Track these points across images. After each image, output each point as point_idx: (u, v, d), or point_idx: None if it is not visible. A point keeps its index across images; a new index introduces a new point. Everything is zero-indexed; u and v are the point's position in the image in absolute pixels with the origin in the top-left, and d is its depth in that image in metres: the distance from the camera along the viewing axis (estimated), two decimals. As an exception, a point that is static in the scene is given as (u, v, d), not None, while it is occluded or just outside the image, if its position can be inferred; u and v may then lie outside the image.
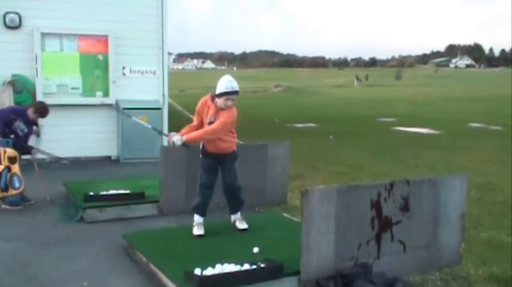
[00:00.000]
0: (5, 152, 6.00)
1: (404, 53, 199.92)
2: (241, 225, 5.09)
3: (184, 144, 4.77)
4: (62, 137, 9.03)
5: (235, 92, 4.71)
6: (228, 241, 4.81)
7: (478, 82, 55.42)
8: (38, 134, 6.78)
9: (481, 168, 9.46)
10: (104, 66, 9.44)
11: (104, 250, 4.85)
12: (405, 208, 4.10)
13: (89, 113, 9.45)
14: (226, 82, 4.71)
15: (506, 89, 35.77)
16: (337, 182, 7.27)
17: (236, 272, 3.81)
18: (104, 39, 9.35)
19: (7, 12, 8.81)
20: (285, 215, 5.85)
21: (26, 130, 6.29)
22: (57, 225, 5.58)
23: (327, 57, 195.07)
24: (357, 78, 57.66)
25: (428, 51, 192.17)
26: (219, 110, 4.75)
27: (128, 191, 6.22)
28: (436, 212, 4.26)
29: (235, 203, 5.11)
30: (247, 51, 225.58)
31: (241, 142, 5.21)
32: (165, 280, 3.95)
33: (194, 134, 4.78)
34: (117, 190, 6.28)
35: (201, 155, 5.01)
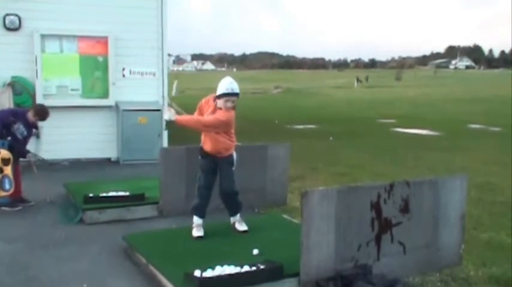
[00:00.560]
0: None
1: (404, 55, 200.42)
2: (241, 227, 5.09)
3: (172, 121, 4.70)
4: (62, 139, 9.05)
5: (235, 94, 4.72)
6: (227, 243, 4.81)
7: (478, 83, 55.42)
8: (37, 136, 6.78)
9: (481, 168, 9.46)
10: (104, 67, 9.44)
11: (103, 251, 4.84)
12: (405, 209, 4.10)
13: (88, 115, 9.45)
14: (226, 84, 4.72)
15: (506, 90, 35.76)
16: (337, 183, 7.26)
17: (236, 273, 3.81)
18: (103, 41, 9.35)
19: (7, 14, 8.81)
20: (285, 216, 5.85)
21: (25, 133, 6.26)
22: (57, 226, 5.58)
23: (326, 58, 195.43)
24: (357, 80, 57.69)
25: (428, 53, 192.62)
26: (218, 109, 4.77)
27: (127, 193, 6.22)
28: (436, 213, 4.26)
29: (233, 207, 5.11)
30: (247, 52, 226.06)
31: (240, 144, 5.18)
32: (165, 281, 3.95)
33: (187, 117, 4.86)
34: (117, 191, 6.28)
35: (199, 157, 5.01)
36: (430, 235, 4.26)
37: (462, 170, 8.49)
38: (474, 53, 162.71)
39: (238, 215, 5.13)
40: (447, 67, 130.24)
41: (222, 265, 3.90)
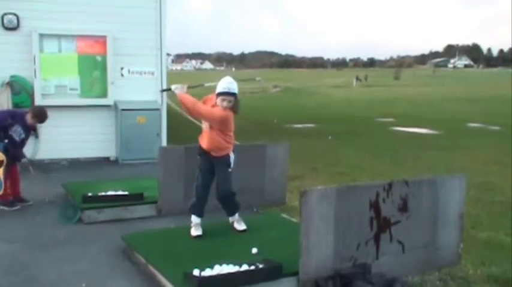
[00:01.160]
0: None
1: (403, 54, 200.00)
2: (240, 226, 5.09)
3: (174, 94, 4.81)
4: (61, 138, 9.03)
5: (231, 94, 4.72)
6: (226, 242, 4.81)
7: (477, 82, 55.44)
8: (36, 135, 6.75)
9: (480, 168, 9.46)
10: (103, 67, 9.43)
11: (102, 251, 4.84)
12: (404, 208, 4.10)
13: (87, 114, 9.44)
14: (224, 83, 4.74)
15: (505, 89, 35.78)
16: (337, 182, 7.26)
17: (235, 273, 3.81)
18: (102, 40, 9.33)
19: (5, 14, 8.79)
20: (284, 215, 5.85)
21: (23, 135, 6.22)
22: (56, 226, 5.58)
23: (325, 57, 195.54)
24: (357, 78, 57.72)
25: (426, 52, 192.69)
26: (217, 107, 4.79)
27: (126, 192, 6.21)
28: (435, 213, 4.26)
29: (230, 207, 5.11)
30: (246, 51, 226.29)
31: (238, 143, 5.18)
32: (164, 281, 3.94)
33: (188, 97, 4.77)
34: (116, 190, 6.27)
35: (198, 156, 5.01)
36: (429, 234, 4.26)
37: (461, 170, 8.50)
38: (473, 52, 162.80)
39: (237, 214, 5.13)
40: (446, 66, 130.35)
41: (220, 264, 3.89)
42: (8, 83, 8.72)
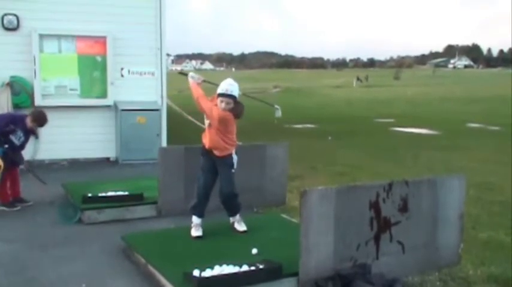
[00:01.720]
0: None
1: (403, 54, 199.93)
2: (240, 227, 5.09)
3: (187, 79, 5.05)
4: (61, 139, 9.03)
5: (229, 96, 4.72)
6: (226, 242, 4.81)
7: (477, 82, 55.43)
8: (36, 136, 6.75)
9: (480, 168, 9.46)
10: (102, 67, 9.43)
11: (102, 251, 4.84)
12: (404, 208, 4.10)
13: (87, 115, 9.44)
14: (224, 84, 4.76)
15: (505, 90, 35.77)
16: (337, 182, 7.26)
17: (235, 273, 3.80)
18: (102, 41, 9.33)
19: (5, 14, 8.79)
20: (284, 216, 5.85)
21: (22, 139, 6.22)
22: (55, 226, 5.58)
23: (325, 58, 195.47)
24: (358, 79, 57.79)
25: (426, 52, 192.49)
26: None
27: (126, 193, 6.22)
28: (435, 213, 4.26)
29: (232, 208, 5.12)
30: (246, 52, 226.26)
31: (239, 143, 5.18)
32: (164, 281, 3.94)
33: (197, 89, 4.93)
34: (116, 191, 6.27)
35: (201, 156, 5.02)
36: (429, 234, 4.26)
37: (461, 170, 8.49)
38: (473, 52, 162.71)
39: (238, 215, 5.13)
40: (446, 66, 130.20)
41: (220, 265, 3.89)
42: (8, 84, 8.72)
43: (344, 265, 3.83)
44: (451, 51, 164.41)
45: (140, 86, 9.69)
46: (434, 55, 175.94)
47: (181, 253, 4.47)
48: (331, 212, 3.73)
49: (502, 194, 7.42)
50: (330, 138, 13.85)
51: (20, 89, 8.83)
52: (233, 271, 3.83)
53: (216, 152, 4.89)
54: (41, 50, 9.01)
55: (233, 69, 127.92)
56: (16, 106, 8.71)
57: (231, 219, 5.15)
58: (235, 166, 4.99)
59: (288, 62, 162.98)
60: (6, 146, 6.05)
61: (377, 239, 4.00)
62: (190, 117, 12.46)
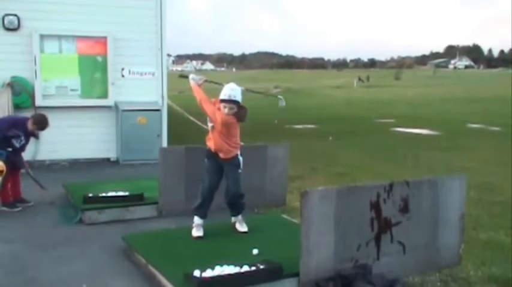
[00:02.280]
0: None
1: (404, 54, 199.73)
2: (242, 228, 5.09)
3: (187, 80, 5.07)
4: (61, 139, 9.02)
5: (231, 101, 4.70)
6: (227, 243, 4.81)
7: (477, 83, 55.40)
8: (36, 136, 6.75)
9: (480, 168, 9.46)
10: (103, 67, 9.43)
11: (103, 251, 4.84)
12: (405, 208, 4.10)
13: (88, 115, 9.44)
14: (226, 89, 4.74)
15: (506, 90, 35.75)
16: (337, 183, 7.26)
17: (235, 273, 3.80)
18: (102, 41, 9.33)
19: (6, 14, 8.79)
20: (285, 216, 5.85)
21: (23, 141, 6.24)
22: (56, 227, 5.58)
23: (326, 58, 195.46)
24: (359, 79, 57.84)
25: (427, 52, 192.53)
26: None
27: (127, 193, 6.22)
28: (436, 213, 4.26)
29: (237, 208, 5.13)
30: (247, 52, 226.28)
31: (241, 143, 5.18)
32: (164, 281, 3.94)
33: (199, 91, 4.94)
34: (116, 191, 6.27)
35: (205, 159, 5.01)
36: (429, 234, 4.26)
37: (461, 170, 8.48)
38: (473, 52, 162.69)
39: (240, 215, 5.14)
40: (446, 67, 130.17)
41: (221, 265, 3.89)
42: (8, 84, 8.72)
43: (345, 265, 3.83)
44: (452, 51, 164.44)
45: (141, 86, 9.69)
46: (434, 55, 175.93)
47: (182, 254, 4.47)
48: (332, 213, 3.73)
49: (502, 195, 7.42)
50: (330, 138, 13.85)
51: (20, 90, 8.83)
52: (234, 271, 3.83)
53: (222, 155, 4.89)
54: (42, 51, 9.01)
55: (234, 69, 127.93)
56: (17, 106, 8.72)
57: (233, 219, 5.15)
58: (241, 167, 5.00)
59: (289, 63, 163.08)
60: (10, 149, 6.07)
61: (378, 239, 4.00)
62: (191, 118, 12.47)
